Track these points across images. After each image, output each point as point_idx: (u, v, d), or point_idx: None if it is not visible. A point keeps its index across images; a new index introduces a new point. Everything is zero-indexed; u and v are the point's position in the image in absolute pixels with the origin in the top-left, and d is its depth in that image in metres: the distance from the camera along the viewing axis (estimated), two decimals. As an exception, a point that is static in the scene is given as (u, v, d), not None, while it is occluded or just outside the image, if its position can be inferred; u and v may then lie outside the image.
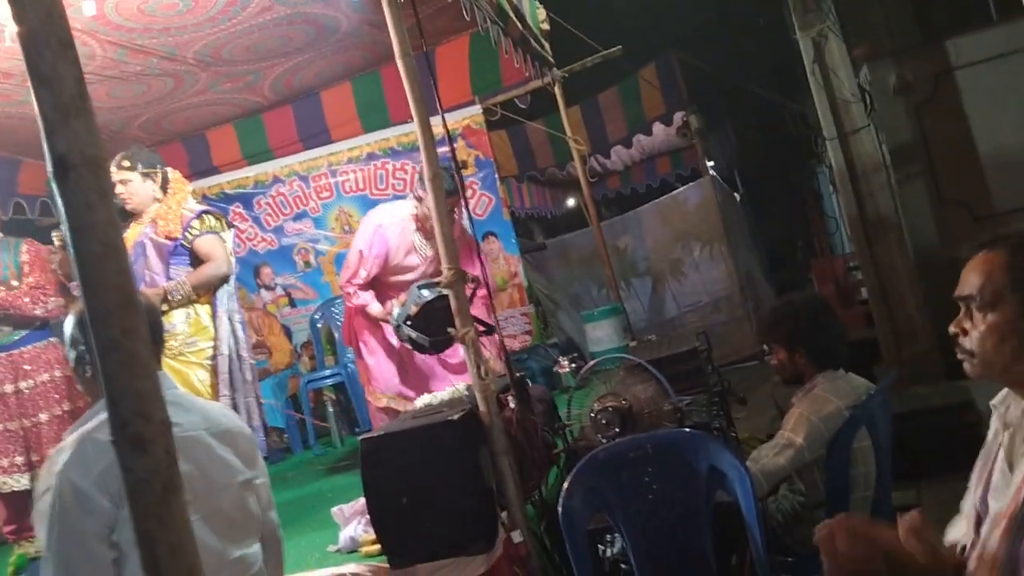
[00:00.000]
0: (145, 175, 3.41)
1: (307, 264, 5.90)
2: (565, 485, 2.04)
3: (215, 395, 3.32)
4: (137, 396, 0.88)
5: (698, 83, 7.80)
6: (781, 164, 11.03)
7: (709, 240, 7.85)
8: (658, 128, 7.96)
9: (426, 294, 2.70)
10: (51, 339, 3.61)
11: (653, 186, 10.37)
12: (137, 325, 0.88)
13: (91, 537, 1.48)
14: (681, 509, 2.01)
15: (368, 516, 2.78)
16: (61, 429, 3.42)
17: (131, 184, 3.39)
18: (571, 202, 10.94)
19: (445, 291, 2.53)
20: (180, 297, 3.31)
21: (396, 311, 2.81)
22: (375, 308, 3.48)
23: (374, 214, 3.76)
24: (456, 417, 2.42)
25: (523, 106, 5.67)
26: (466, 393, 2.82)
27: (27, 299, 3.40)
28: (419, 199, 3.59)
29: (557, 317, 7.56)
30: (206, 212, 3.54)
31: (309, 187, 5.80)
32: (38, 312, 3.45)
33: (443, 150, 5.50)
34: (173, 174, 3.56)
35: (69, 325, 1.75)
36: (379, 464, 2.45)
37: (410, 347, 2.79)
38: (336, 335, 5.51)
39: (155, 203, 3.44)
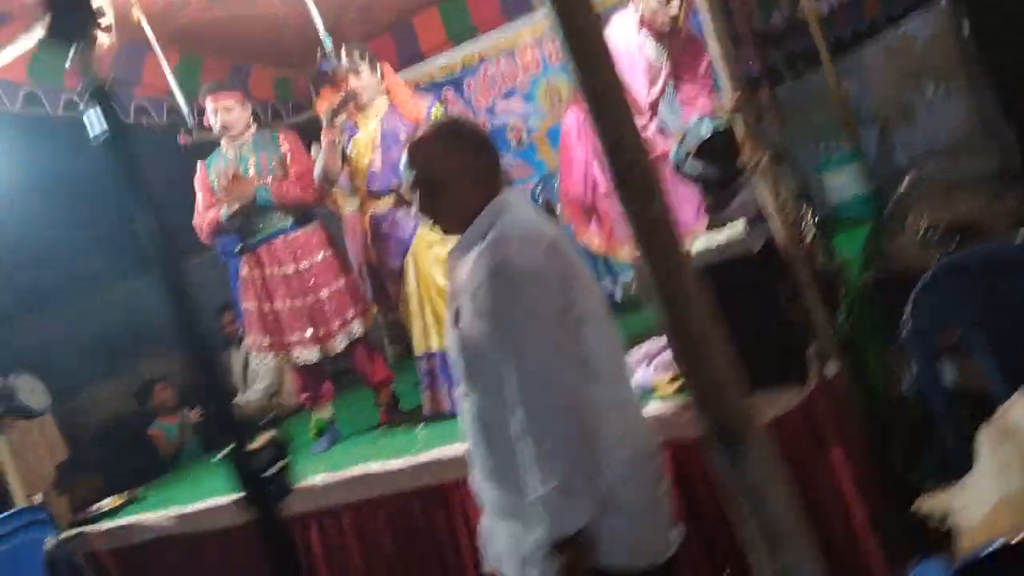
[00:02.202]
0: (372, 66, 3.50)
1: (519, 142, 5.86)
2: (912, 302, 1.87)
3: None
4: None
5: None
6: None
7: (944, 77, 7.01)
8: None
9: (704, 130, 2.54)
10: (317, 222, 3.82)
11: (860, 30, 9.38)
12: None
13: (552, 315, 1.50)
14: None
15: (654, 359, 2.76)
16: (341, 304, 3.66)
17: (363, 75, 3.48)
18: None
19: (729, 118, 2.35)
20: None
21: (672, 148, 2.68)
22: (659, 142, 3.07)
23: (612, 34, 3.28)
24: (758, 249, 2.29)
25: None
26: (743, 233, 2.68)
27: (295, 187, 3.58)
28: None
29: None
30: (439, 99, 3.67)
31: (516, 63, 5.70)
32: (307, 197, 3.63)
33: None
34: (383, 65, 3.65)
35: None
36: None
37: (696, 185, 2.67)
38: (557, 208, 5.48)
39: (380, 95, 3.52)
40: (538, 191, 5.66)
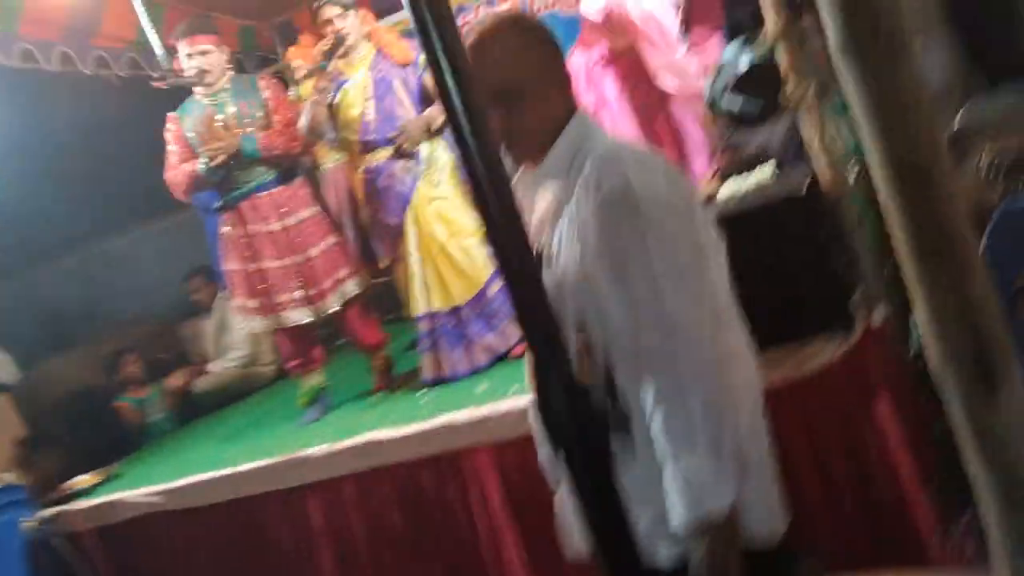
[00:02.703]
0: (354, 8, 3.30)
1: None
2: (986, 236, 1.75)
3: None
4: None
5: None
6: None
7: (922, 30, 6.95)
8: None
9: (743, 62, 2.36)
10: (302, 176, 3.57)
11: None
12: None
13: (686, 249, 1.26)
14: None
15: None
16: (331, 262, 3.45)
17: (348, 16, 3.30)
18: None
19: (770, 47, 2.18)
20: (439, 126, 3.25)
21: (706, 84, 2.51)
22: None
23: None
24: (803, 192, 2.14)
25: None
26: (771, 177, 2.53)
27: (282, 138, 3.33)
28: None
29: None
30: None
31: (494, 6, 5.45)
32: (294, 148, 3.38)
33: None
34: (363, 8, 3.47)
35: None
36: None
37: (730, 124, 2.49)
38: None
39: (363, 40, 3.32)
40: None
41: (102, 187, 6.67)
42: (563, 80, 1.42)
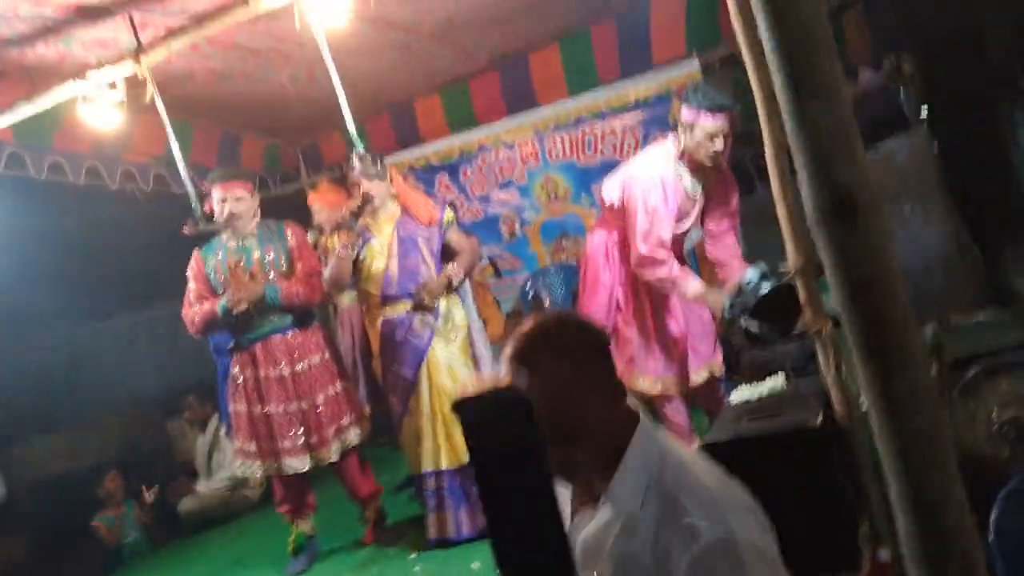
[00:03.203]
0: (384, 173, 3.44)
1: (512, 234, 5.77)
2: (998, 507, 1.77)
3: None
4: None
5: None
6: (973, 102, 9.99)
7: (922, 198, 7.20)
8: (864, 74, 7.32)
9: (763, 283, 2.45)
10: (316, 322, 3.62)
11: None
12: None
13: None
14: None
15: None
16: (335, 410, 3.46)
17: (376, 181, 3.43)
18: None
19: (790, 280, 2.27)
20: (458, 283, 3.35)
21: (726, 302, 2.59)
22: (694, 285, 3.02)
23: (641, 167, 3.24)
24: (817, 423, 2.19)
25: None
26: (783, 386, 2.59)
27: (304, 288, 3.39)
28: (686, 126, 3.10)
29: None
30: (448, 203, 3.64)
31: (515, 155, 5.64)
32: (315, 299, 3.45)
33: (658, 110, 5.37)
34: (392, 170, 3.63)
35: None
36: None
37: (745, 340, 2.57)
38: (551, 303, 5.40)
39: (391, 199, 3.44)
40: (528, 286, 5.55)
41: (102, 271, 6.71)
42: (613, 389, 1.25)
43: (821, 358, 2.27)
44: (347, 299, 4.36)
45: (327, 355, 3.52)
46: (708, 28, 5.12)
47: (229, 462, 4.84)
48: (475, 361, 3.48)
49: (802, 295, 2.28)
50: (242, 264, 3.37)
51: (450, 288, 3.40)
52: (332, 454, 3.41)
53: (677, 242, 3.23)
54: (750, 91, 5.42)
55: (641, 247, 3.06)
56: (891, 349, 0.68)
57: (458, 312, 3.46)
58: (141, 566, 4.38)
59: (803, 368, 2.64)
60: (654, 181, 3.13)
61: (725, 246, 3.30)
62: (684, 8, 5.11)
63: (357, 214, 3.33)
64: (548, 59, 5.41)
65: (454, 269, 3.40)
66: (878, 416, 0.70)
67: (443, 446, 3.31)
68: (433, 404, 3.33)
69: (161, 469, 6.09)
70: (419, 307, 3.35)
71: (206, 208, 3.43)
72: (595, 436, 1.21)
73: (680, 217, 3.19)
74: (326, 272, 3.42)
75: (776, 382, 2.60)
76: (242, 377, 3.42)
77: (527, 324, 1.29)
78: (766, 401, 2.53)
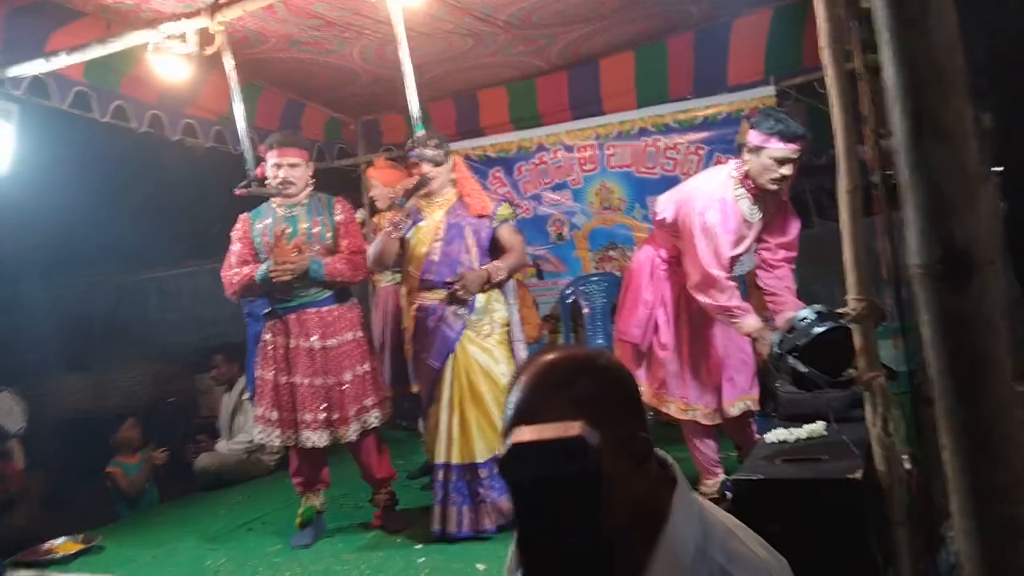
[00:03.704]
0: (447, 156, 3.39)
1: (560, 236, 5.70)
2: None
3: None
4: None
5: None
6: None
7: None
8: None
9: (819, 324, 2.35)
10: (354, 299, 3.59)
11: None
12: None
13: None
14: None
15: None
16: (360, 390, 3.42)
17: (441, 167, 3.36)
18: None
19: (848, 324, 2.17)
20: (498, 280, 3.30)
21: (776, 338, 2.50)
22: (751, 322, 2.95)
23: (700, 186, 3.18)
24: (859, 475, 2.09)
25: (821, 91, 5.10)
26: (822, 433, 2.49)
27: (348, 266, 3.37)
28: (753, 150, 3.03)
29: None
30: (506, 200, 3.60)
31: (573, 158, 5.56)
32: (357, 278, 3.42)
33: (726, 131, 5.25)
34: (456, 158, 3.55)
35: None
36: (751, 511, 2.17)
37: (790, 379, 2.47)
38: (590, 312, 5.34)
39: (449, 185, 3.39)
40: (568, 291, 5.48)
41: (154, 222, 6.79)
42: (644, 445, 1.04)
43: (868, 410, 2.17)
44: (385, 279, 4.33)
45: (359, 334, 3.49)
46: (789, 54, 4.99)
47: (250, 426, 4.85)
48: (512, 362, 3.43)
49: (858, 342, 2.18)
50: (288, 233, 3.34)
51: (488, 284, 3.33)
52: (351, 433, 3.38)
53: (728, 267, 3.14)
54: (822, 122, 5.28)
55: (708, 268, 2.98)
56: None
57: (499, 308, 3.40)
58: (149, 517, 4.40)
59: (843, 416, 2.54)
60: (713, 200, 3.05)
61: (778, 277, 3.20)
62: (766, 31, 4.98)
63: (411, 193, 3.28)
64: (620, 66, 5.32)
65: (496, 266, 3.34)
66: (962, 501, 0.62)
67: (457, 440, 3.26)
68: (453, 396, 3.28)
69: (183, 422, 6.16)
70: (453, 299, 3.29)
71: (259, 172, 3.42)
72: (627, 506, 1.01)
73: (736, 242, 3.10)
74: (371, 248, 3.37)
75: (816, 427, 2.51)
76: (272, 344, 3.41)
77: (563, 362, 1.05)
78: (803, 445, 2.43)
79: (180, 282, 8.56)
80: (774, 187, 3.03)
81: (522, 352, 3.45)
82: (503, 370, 3.31)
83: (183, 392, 6.77)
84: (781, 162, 2.98)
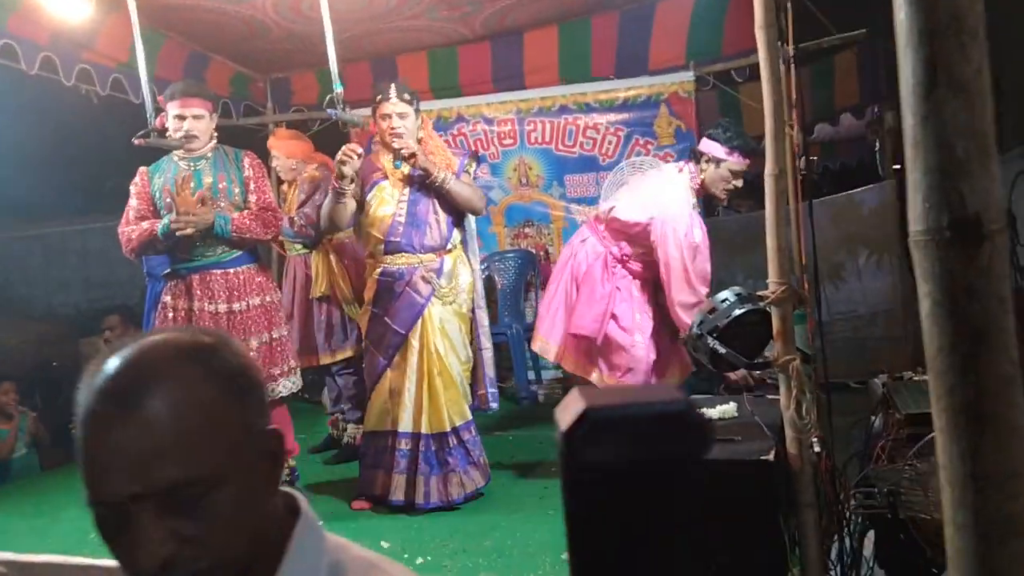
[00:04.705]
0: (417, 112, 3.26)
1: (475, 211, 5.61)
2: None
3: (474, 348, 3.37)
4: None
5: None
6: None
7: (879, 249, 7.30)
8: (845, 119, 7.38)
9: (737, 307, 2.36)
10: (260, 261, 3.41)
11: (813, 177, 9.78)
12: None
13: None
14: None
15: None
16: (269, 357, 3.25)
17: (408, 118, 3.23)
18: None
19: (767, 307, 2.18)
20: (441, 180, 3.20)
21: (697, 318, 2.49)
22: None
23: (671, 200, 3.19)
24: (771, 457, 2.11)
25: (739, 80, 5.19)
26: (734, 413, 2.51)
27: (258, 223, 3.18)
28: (712, 160, 3.19)
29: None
30: (472, 154, 3.54)
31: (493, 131, 5.47)
32: (267, 237, 3.24)
33: (645, 114, 5.26)
34: (423, 114, 3.42)
35: None
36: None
37: (704, 361, 2.48)
38: (502, 287, 5.29)
39: (416, 141, 3.27)
40: (483, 266, 5.40)
41: (42, 173, 6.33)
42: (279, 444, 0.85)
43: (783, 392, 2.19)
44: (294, 250, 4.16)
45: (268, 298, 3.31)
46: (710, 41, 5.05)
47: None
48: (473, 328, 3.38)
49: (776, 325, 2.20)
50: (191, 187, 3.13)
51: (431, 176, 3.18)
52: (254, 403, 3.21)
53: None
54: (736, 112, 5.37)
55: (698, 288, 3.06)
56: (993, 415, 0.55)
57: (463, 273, 3.32)
58: (27, 484, 4.11)
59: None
60: (693, 218, 3.16)
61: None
62: (688, 17, 5.02)
63: (408, 160, 3.16)
64: (544, 41, 5.26)
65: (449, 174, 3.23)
66: (959, 492, 0.58)
67: (427, 409, 3.17)
68: (422, 364, 3.19)
69: (67, 386, 5.78)
70: (399, 156, 3.19)
71: (160, 122, 3.18)
72: (254, 527, 0.80)
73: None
74: (324, 206, 3.25)
75: (728, 407, 2.53)
76: (172, 308, 3.19)
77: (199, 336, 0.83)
78: (716, 425, 2.45)
79: (70, 239, 8.05)
80: (724, 197, 3.23)
81: (483, 319, 3.38)
82: (463, 339, 3.28)
83: (68, 356, 6.37)
84: (736, 175, 3.17)
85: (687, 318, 2.99)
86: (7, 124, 5.46)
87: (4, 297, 7.00)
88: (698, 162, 3.24)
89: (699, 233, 3.11)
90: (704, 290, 3.07)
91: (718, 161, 3.16)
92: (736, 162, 3.15)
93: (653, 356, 3.21)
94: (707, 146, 3.22)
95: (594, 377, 3.25)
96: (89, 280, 7.85)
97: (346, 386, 4.16)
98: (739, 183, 3.21)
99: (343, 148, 3.10)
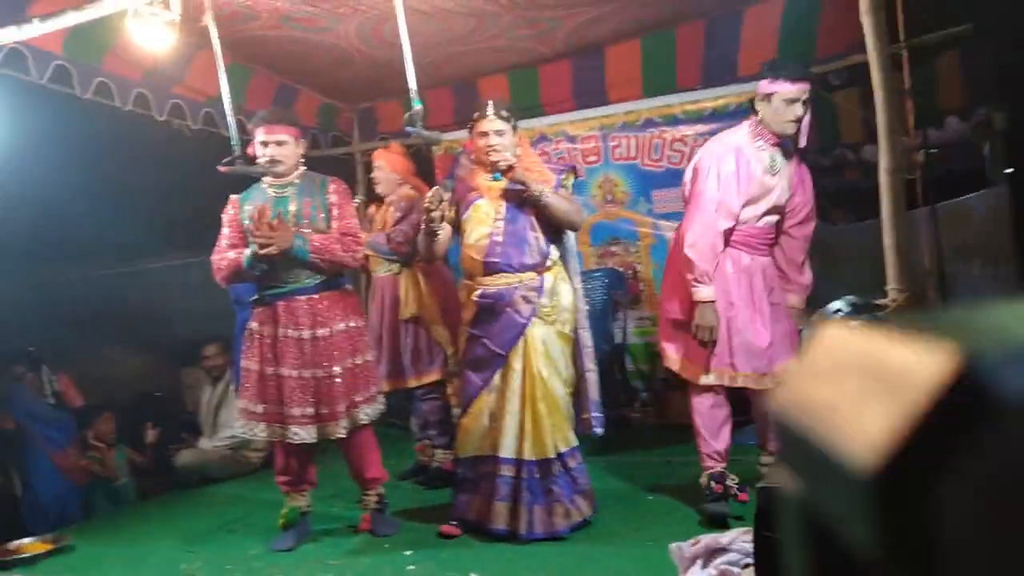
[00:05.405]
0: (514, 129, 3.19)
1: (560, 231, 5.51)
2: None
3: (577, 370, 3.22)
4: None
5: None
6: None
7: (994, 258, 6.81)
8: (951, 123, 6.95)
9: (852, 318, 2.16)
10: (347, 286, 3.39)
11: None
12: None
13: None
14: None
15: (713, 561, 2.34)
16: (352, 383, 3.21)
17: (506, 135, 3.16)
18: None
19: (885, 311, 1.98)
20: (538, 194, 3.09)
21: (804, 333, 2.31)
22: (704, 292, 2.96)
23: (718, 139, 3.19)
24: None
25: (836, 83, 4.94)
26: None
27: (338, 246, 3.16)
28: (764, 98, 3.05)
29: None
30: (569, 167, 3.39)
31: (576, 149, 5.37)
32: (348, 261, 3.21)
33: (734, 123, 5.06)
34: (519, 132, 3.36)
35: None
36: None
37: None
38: (589, 309, 5.15)
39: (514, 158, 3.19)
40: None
41: (143, 209, 6.57)
42: None
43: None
44: (382, 269, 4.13)
45: (352, 324, 3.27)
46: (802, 44, 4.82)
47: (233, 420, 4.64)
48: (576, 350, 3.23)
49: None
50: (278, 213, 3.13)
51: (530, 191, 3.08)
52: (340, 429, 3.17)
53: (749, 226, 3.10)
54: (831, 118, 5.08)
55: (715, 215, 2.99)
56: None
57: (564, 291, 3.17)
58: (125, 515, 4.18)
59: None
60: (729, 149, 3.03)
61: (783, 250, 3.23)
62: (779, 21, 4.81)
63: (509, 176, 3.10)
64: (626, 56, 5.14)
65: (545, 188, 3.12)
66: None
67: (530, 434, 3.05)
68: (525, 388, 3.08)
69: (167, 417, 5.94)
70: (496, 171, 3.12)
71: (249, 151, 3.21)
72: None
73: (761, 195, 3.05)
74: (419, 241, 3.23)
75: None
76: (259, 333, 3.19)
77: None
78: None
79: (172, 274, 8.34)
80: (792, 129, 3.03)
81: (587, 340, 3.25)
82: (567, 361, 3.16)
83: (169, 388, 6.56)
84: (792, 100, 2.99)
85: (691, 253, 2.99)
86: (105, 162, 5.71)
87: (108, 332, 7.27)
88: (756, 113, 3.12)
89: (729, 165, 3.00)
90: (725, 224, 3.00)
91: (768, 96, 3.03)
92: (786, 89, 2.99)
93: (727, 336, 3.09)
94: (757, 87, 3.12)
95: (669, 353, 3.21)
96: (190, 312, 8.10)
97: (431, 411, 4.10)
98: (798, 110, 3.00)
99: (428, 195, 3.04)
